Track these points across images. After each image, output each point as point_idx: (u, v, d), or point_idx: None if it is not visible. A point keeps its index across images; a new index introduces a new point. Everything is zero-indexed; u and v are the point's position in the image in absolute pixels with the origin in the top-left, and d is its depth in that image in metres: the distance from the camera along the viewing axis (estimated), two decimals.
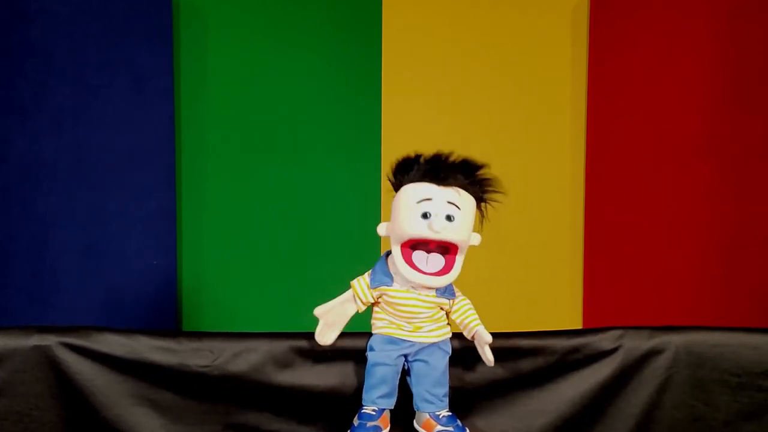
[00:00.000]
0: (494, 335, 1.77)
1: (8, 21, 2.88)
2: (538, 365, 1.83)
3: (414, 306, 1.70)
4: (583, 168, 3.28)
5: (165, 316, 3.05)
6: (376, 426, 1.66)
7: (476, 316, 1.74)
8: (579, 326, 3.23)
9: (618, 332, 1.85)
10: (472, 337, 1.73)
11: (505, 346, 1.79)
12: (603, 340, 1.85)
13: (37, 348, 1.73)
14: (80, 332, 1.76)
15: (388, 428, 1.69)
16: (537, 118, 3.29)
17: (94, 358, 1.75)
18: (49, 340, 1.74)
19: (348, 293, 1.75)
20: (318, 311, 1.73)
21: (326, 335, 1.74)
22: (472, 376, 1.82)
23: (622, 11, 3.18)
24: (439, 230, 1.63)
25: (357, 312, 1.76)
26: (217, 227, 3.15)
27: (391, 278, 1.71)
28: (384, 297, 1.72)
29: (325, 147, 3.18)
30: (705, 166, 3.05)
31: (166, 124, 3.02)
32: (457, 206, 1.66)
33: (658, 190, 3.13)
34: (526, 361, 1.83)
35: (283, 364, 1.79)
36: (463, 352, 1.78)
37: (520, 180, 3.21)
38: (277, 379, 1.79)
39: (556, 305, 3.30)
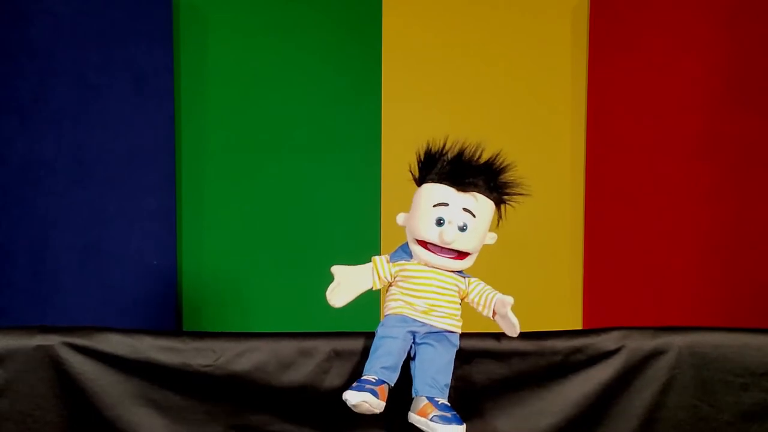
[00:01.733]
0: (497, 336, 1.78)
1: (8, 21, 2.87)
2: (541, 366, 1.83)
3: (431, 278, 1.73)
4: (583, 168, 3.28)
5: (165, 316, 3.04)
6: (373, 389, 1.60)
7: (492, 288, 1.77)
8: (579, 326, 3.22)
9: (621, 332, 1.85)
10: (493, 313, 1.74)
11: (508, 346, 1.80)
12: (606, 341, 1.85)
13: (39, 348, 1.73)
14: (83, 332, 1.76)
15: (384, 404, 1.62)
16: (537, 118, 3.29)
17: (97, 358, 1.75)
18: (52, 340, 1.74)
19: (368, 264, 1.79)
20: (335, 268, 1.76)
21: (337, 295, 1.74)
22: (476, 377, 1.81)
23: (622, 11, 3.18)
24: (449, 242, 1.68)
25: (371, 288, 1.77)
26: (217, 227, 3.14)
27: (411, 257, 1.76)
28: (402, 273, 1.75)
29: (325, 147, 3.18)
30: (705, 166, 3.06)
31: (166, 124, 3.02)
32: (472, 213, 1.71)
33: (658, 191, 3.13)
34: (528, 362, 1.82)
35: (286, 364, 1.79)
36: (467, 352, 1.78)
37: (520, 180, 3.20)
38: (279, 379, 1.79)
39: (556, 305, 3.30)
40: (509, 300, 1.70)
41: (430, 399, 1.65)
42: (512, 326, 1.71)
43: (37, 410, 1.74)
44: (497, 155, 1.76)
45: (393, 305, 1.75)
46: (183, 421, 1.80)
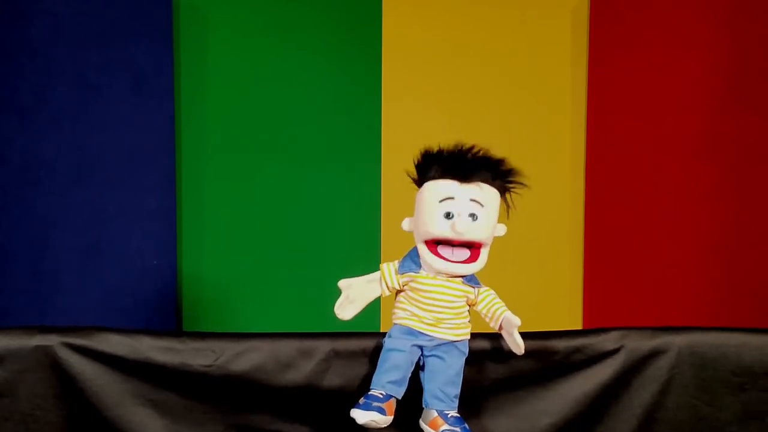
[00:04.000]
0: (497, 336, 1.77)
1: (8, 21, 2.87)
2: (541, 366, 1.83)
3: (440, 293, 1.70)
4: (583, 168, 3.28)
5: (165, 316, 3.04)
6: (380, 407, 1.61)
7: (502, 303, 1.74)
8: (579, 326, 3.22)
9: (620, 332, 1.85)
10: (500, 327, 1.73)
11: (508, 346, 1.79)
12: (605, 341, 1.85)
13: (39, 348, 1.73)
14: (82, 332, 1.76)
15: (392, 417, 1.64)
16: (537, 118, 3.29)
17: (97, 358, 1.75)
18: (52, 340, 1.73)
19: (375, 274, 1.76)
20: (342, 283, 1.74)
21: (346, 309, 1.73)
22: (475, 377, 1.81)
23: (622, 11, 3.18)
24: (462, 232, 1.66)
25: (381, 295, 1.76)
26: (217, 227, 3.14)
27: (420, 266, 1.72)
28: (410, 284, 1.73)
29: (325, 147, 3.18)
30: (705, 166, 3.06)
31: (166, 124, 3.02)
32: (480, 203, 1.68)
33: (658, 191, 3.13)
34: (528, 362, 1.82)
35: (285, 364, 1.79)
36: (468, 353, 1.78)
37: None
38: (279, 379, 1.79)
39: (556, 305, 3.30)
40: (516, 322, 1.69)
41: (440, 412, 1.67)
42: (517, 346, 1.71)
43: (36, 410, 1.74)
44: (491, 151, 1.74)
45: (401, 314, 1.73)
46: (183, 421, 1.80)
